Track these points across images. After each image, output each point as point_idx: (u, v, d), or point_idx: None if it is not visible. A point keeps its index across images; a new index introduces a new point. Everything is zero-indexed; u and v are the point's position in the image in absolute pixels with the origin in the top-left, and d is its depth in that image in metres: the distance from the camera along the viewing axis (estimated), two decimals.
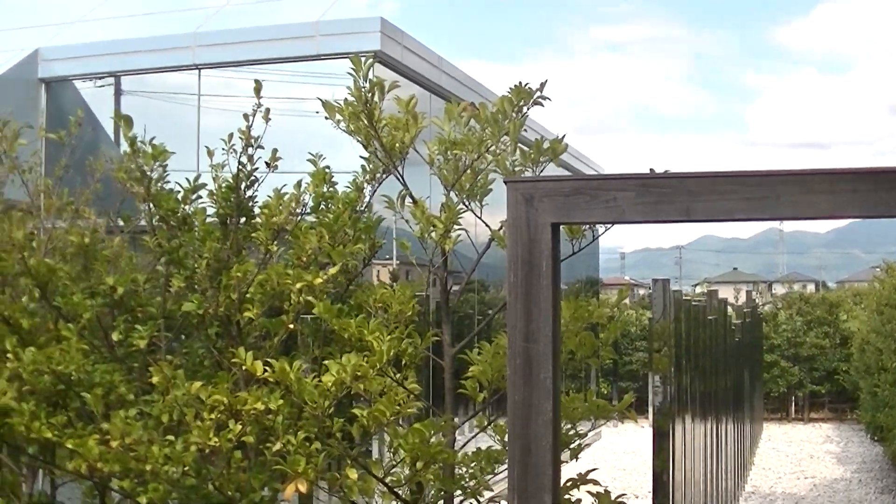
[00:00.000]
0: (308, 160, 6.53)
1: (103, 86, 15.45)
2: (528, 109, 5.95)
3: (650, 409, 9.95)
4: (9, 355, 5.88)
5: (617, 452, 23.05)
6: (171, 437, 5.51)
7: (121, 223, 6.97)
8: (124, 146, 6.29)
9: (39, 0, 18.06)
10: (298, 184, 6.22)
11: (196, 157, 6.22)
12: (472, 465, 5.96)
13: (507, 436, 5.81)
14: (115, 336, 6.15)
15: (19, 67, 14.82)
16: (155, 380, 5.52)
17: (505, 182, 3.33)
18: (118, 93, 15.62)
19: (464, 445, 6.20)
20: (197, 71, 14.73)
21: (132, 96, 15.70)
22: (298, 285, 5.83)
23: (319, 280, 5.84)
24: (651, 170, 4.57)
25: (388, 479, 5.70)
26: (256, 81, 5.92)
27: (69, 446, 5.67)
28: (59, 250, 6.65)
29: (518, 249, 3.22)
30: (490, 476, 6.04)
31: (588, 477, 5.84)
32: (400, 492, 5.77)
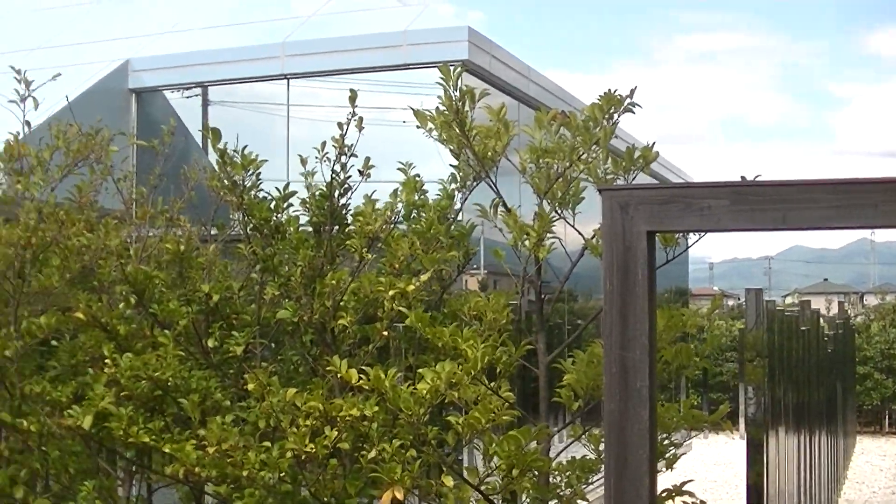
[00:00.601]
0: (398, 169, 6.66)
1: (190, 96, 15.73)
2: (618, 117, 6.03)
3: (741, 421, 9.95)
4: (107, 361, 6.10)
5: (707, 464, 22.92)
6: (267, 444, 5.67)
7: (214, 231, 7.14)
8: (213, 155, 6.47)
9: (130, 11, 18.42)
10: (394, 192, 6.36)
11: (286, 166, 6.37)
12: (567, 473, 6.04)
13: (602, 445, 5.91)
14: (210, 343, 6.34)
15: (110, 78, 15.16)
16: (251, 387, 5.68)
17: (599, 190, 3.40)
18: (206, 103, 15.90)
19: (558, 454, 6.29)
20: (286, 81, 14.94)
21: (220, 106, 15.97)
22: (391, 292, 5.96)
23: (412, 287, 5.96)
24: (742, 178, 4.62)
25: (482, 487, 5.80)
26: (351, 90, 6.07)
27: (167, 451, 5.87)
28: (154, 258, 6.84)
29: (613, 258, 3.30)
30: (584, 486, 6.12)
31: (683, 488, 5.91)
32: (495, 500, 5.87)
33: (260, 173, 6.26)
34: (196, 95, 15.84)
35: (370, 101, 6.51)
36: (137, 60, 15.67)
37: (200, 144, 13.06)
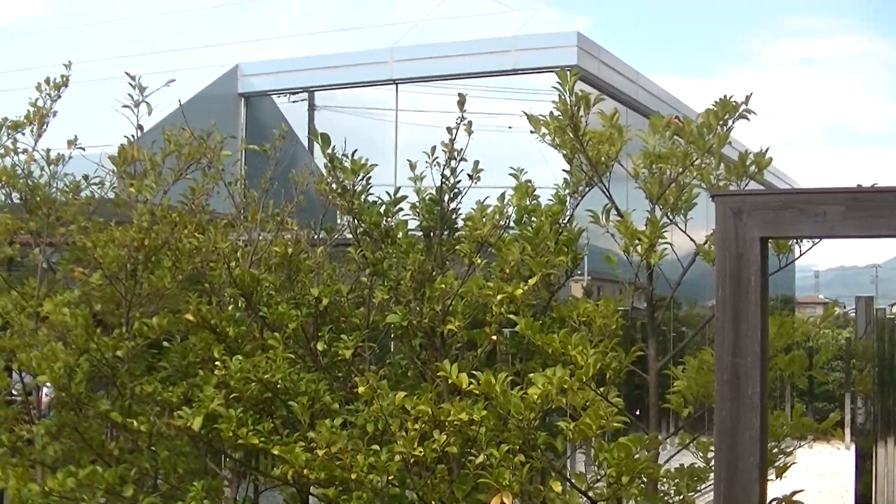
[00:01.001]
0: (510, 174, 6.72)
1: (297, 101, 15.94)
2: (733, 123, 6.03)
3: (846, 431, 9.84)
4: (217, 363, 6.24)
5: (812, 474, 22.56)
6: (375, 447, 5.76)
7: (323, 235, 7.26)
8: (321, 158, 6.58)
9: (239, 17, 18.74)
10: (502, 196, 6.41)
11: (393, 171, 6.47)
12: (676, 481, 6.06)
13: (711, 452, 5.92)
14: (319, 346, 6.46)
15: (220, 83, 15.45)
16: (360, 390, 5.78)
17: (713, 196, 3.42)
18: (312, 108, 16.10)
19: (667, 461, 6.30)
20: (394, 86, 15.08)
21: (326, 111, 16.16)
22: (499, 297, 6.02)
23: (520, 291, 6.02)
24: (858, 185, 4.60)
25: (590, 493, 5.83)
26: (460, 94, 6.15)
27: (275, 453, 5.98)
28: (264, 261, 6.97)
29: (726, 264, 3.32)
30: (692, 493, 6.13)
31: (794, 498, 5.88)
32: None
33: (370, 177, 6.36)
34: (303, 100, 16.06)
35: (477, 106, 6.60)
36: (246, 65, 15.95)
37: (307, 148, 13.24)
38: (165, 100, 7.72)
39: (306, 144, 13.77)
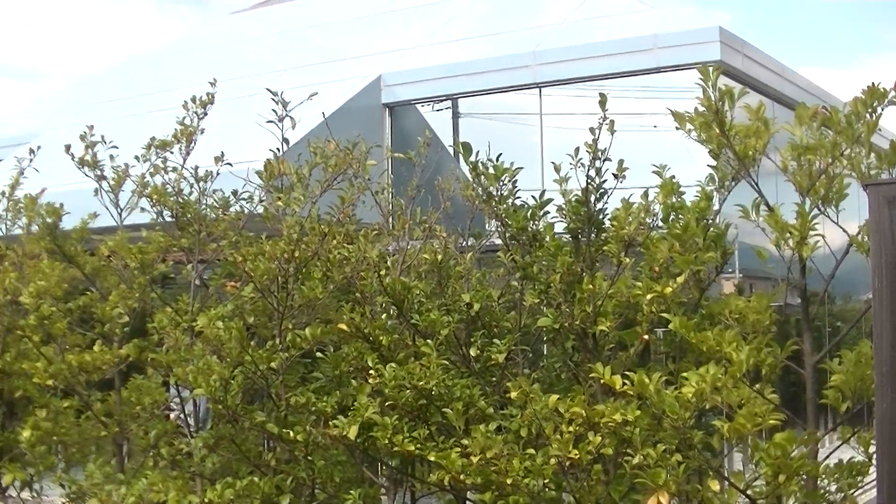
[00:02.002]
0: (654, 172, 6.76)
1: (441, 109, 16.12)
2: (882, 110, 6.00)
3: None
4: (371, 371, 6.39)
5: None
6: (531, 451, 5.83)
7: (471, 241, 7.37)
8: (466, 164, 6.70)
9: (381, 28, 19.02)
10: (645, 193, 6.45)
11: (540, 175, 6.55)
12: (836, 477, 6.04)
13: (872, 447, 5.90)
14: (472, 351, 6.58)
15: (364, 94, 15.72)
16: (513, 395, 5.89)
17: (864, 186, 3.43)
18: (456, 115, 16.25)
19: (826, 457, 6.28)
20: (538, 89, 15.16)
21: (470, 118, 16.30)
22: (649, 296, 6.08)
23: (669, 289, 6.06)
24: None
25: (748, 492, 5.85)
26: (601, 95, 6.23)
27: (431, 459, 6.11)
28: (413, 268, 7.10)
29: (882, 254, 3.33)
30: (854, 490, 6.11)
31: None
32: None
33: (516, 181, 6.45)
34: (447, 108, 16.22)
35: (620, 106, 6.65)
36: (389, 75, 16.20)
37: (453, 155, 13.39)
38: (310, 113, 7.91)
39: (451, 151, 13.92)
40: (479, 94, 15.88)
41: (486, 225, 7.07)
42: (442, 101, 16.09)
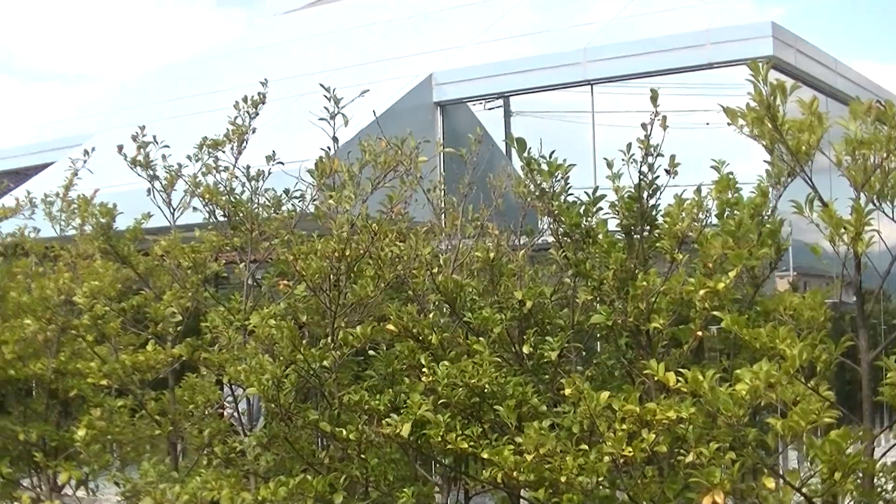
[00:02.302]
0: (711, 167, 6.77)
1: (493, 108, 16.19)
2: None
3: None
4: (424, 369, 6.43)
5: None
6: (584, 448, 5.85)
7: (523, 238, 7.40)
8: (518, 163, 6.72)
9: (433, 26, 19.12)
10: (698, 189, 6.46)
11: (592, 173, 6.58)
12: (893, 475, 6.03)
13: None
14: (525, 349, 6.61)
15: (415, 93, 15.83)
16: (567, 392, 5.90)
17: None
18: (507, 113, 16.32)
19: (883, 455, 6.26)
20: (589, 86, 15.19)
21: (521, 116, 16.36)
22: (702, 292, 6.08)
23: (722, 285, 6.07)
24: None
25: (804, 490, 5.85)
26: (652, 90, 6.23)
27: (484, 456, 6.14)
28: (465, 266, 7.14)
29: None
30: None
31: None
32: (816, 503, 5.90)
33: (568, 178, 6.47)
34: (498, 107, 16.29)
35: (672, 103, 6.66)
36: (440, 74, 16.28)
37: (504, 152, 13.43)
38: (362, 112, 7.97)
39: (503, 149, 13.96)
40: (529, 92, 15.95)
41: (539, 223, 7.09)
42: (492, 99, 16.17)
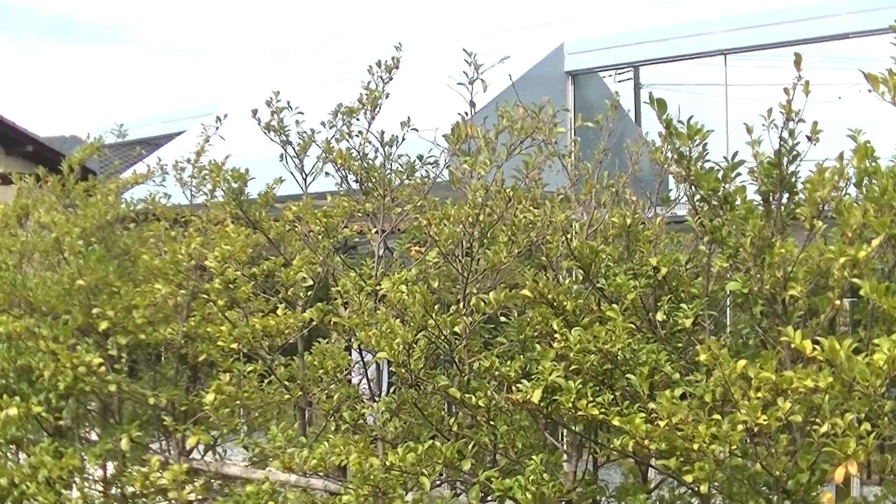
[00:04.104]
0: (848, 136, 6.80)
1: (623, 80, 16.25)
2: None
3: None
4: (556, 336, 6.58)
5: None
6: (717, 417, 5.95)
7: (659, 205, 7.50)
8: (646, 131, 6.80)
9: None
10: (840, 156, 6.50)
11: (725, 146, 6.64)
12: None
13: None
14: (658, 316, 6.72)
15: (546, 62, 15.97)
16: (702, 357, 6.00)
17: None
18: (637, 86, 16.36)
19: None
20: (722, 57, 15.17)
21: (653, 87, 16.38)
22: (842, 260, 6.14)
23: (863, 253, 6.11)
24: None
25: None
26: (796, 54, 6.30)
27: (615, 424, 6.28)
28: (600, 233, 7.27)
29: None
30: None
31: None
32: None
33: (706, 144, 6.56)
34: (628, 79, 16.35)
35: (805, 76, 6.72)
36: (572, 43, 16.37)
37: (635, 121, 13.51)
38: (494, 80, 8.12)
39: (633, 119, 14.02)
40: (661, 62, 16.01)
41: (674, 192, 7.18)
42: (624, 69, 16.24)
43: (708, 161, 6.66)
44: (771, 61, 14.46)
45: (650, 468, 7.16)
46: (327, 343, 9.23)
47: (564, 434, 7.69)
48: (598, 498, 7.55)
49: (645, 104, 7.03)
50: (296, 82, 17.99)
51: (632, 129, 12.92)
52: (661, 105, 6.58)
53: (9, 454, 10.99)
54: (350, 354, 9.00)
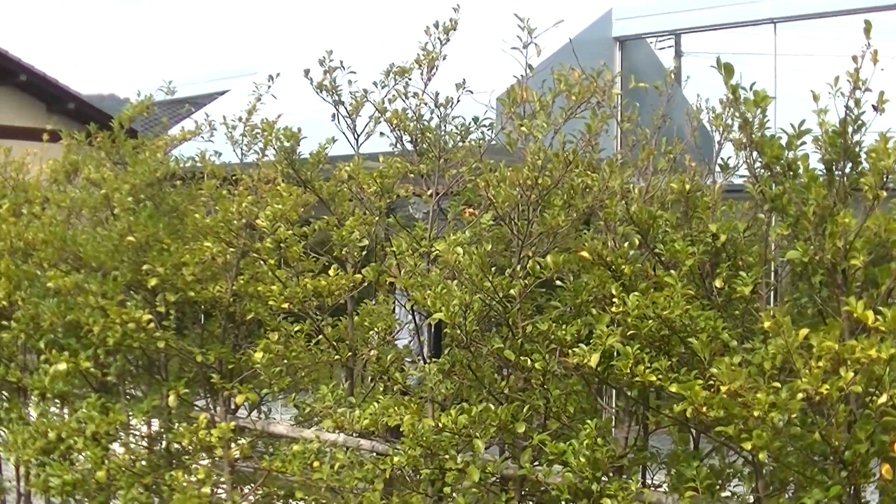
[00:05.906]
0: None
1: (663, 48, 16.19)
2: None
3: None
4: (614, 300, 6.58)
5: None
6: (776, 384, 5.94)
7: (718, 172, 7.48)
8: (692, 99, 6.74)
9: None
10: None
11: (773, 118, 6.60)
12: None
13: None
14: (717, 283, 6.71)
15: (594, 27, 15.92)
16: (766, 325, 5.99)
17: None
18: (678, 53, 16.31)
19: None
20: (772, 25, 15.09)
21: (698, 56, 16.34)
22: None
23: None
24: None
25: None
26: (866, 21, 6.25)
27: (673, 390, 6.28)
28: (658, 198, 7.26)
29: None
30: None
31: None
32: None
33: (766, 110, 6.53)
34: (669, 47, 16.31)
35: (859, 46, 6.66)
36: (620, 9, 16.33)
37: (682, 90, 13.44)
38: (544, 44, 8.09)
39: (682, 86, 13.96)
40: (710, 30, 15.94)
41: (735, 155, 7.14)
42: (668, 37, 16.18)
43: (769, 128, 6.63)
44: (822, 30, 14.36)
45: (701, 436, 7.15)
46: (374, 304, 9.26)
47: (614, 400, 7.69)
48: (647, 464, 7.57)
49: (685, 72, 6.99)
50: (341, 43, 17.99)
51: (680, 98, 12.86)
52: (728, 70, 6.55)
53: (55, 409, 11.10)
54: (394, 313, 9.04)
